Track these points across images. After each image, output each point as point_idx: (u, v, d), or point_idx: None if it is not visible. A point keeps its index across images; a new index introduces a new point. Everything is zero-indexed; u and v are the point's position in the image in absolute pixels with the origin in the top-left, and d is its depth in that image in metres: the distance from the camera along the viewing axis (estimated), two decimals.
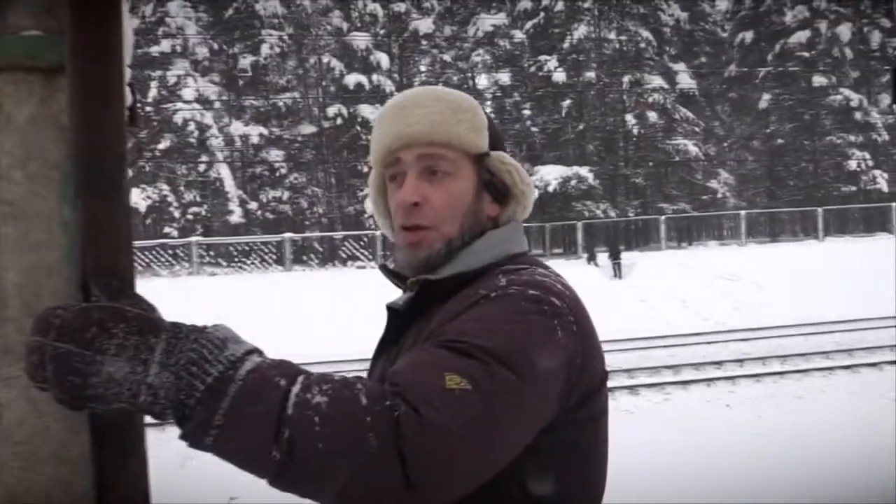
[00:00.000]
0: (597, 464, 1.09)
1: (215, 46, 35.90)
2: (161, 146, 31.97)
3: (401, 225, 1.15)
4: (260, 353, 0.84)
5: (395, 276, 1.22)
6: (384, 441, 0.80)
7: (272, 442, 0.77)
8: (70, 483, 0.79)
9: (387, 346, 1.16)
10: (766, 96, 38.35)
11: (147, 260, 25.40)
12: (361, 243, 26.78)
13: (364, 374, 1.13)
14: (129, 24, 0.88)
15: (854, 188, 36.81)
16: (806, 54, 37.15)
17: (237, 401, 0.77)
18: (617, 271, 21.34)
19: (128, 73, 0.91)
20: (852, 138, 36.95)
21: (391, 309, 1.17)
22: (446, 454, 0.83)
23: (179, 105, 31.89)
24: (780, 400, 8.99)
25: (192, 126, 31.87)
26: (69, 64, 0.77)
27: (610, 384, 11.31)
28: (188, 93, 32.42)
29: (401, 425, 0.81)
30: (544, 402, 0.95)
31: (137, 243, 26.97)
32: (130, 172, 0.95)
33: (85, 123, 0.76)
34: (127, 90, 0.91)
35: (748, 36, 40.19)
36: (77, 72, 0.76)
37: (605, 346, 1.11)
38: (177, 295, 18.51)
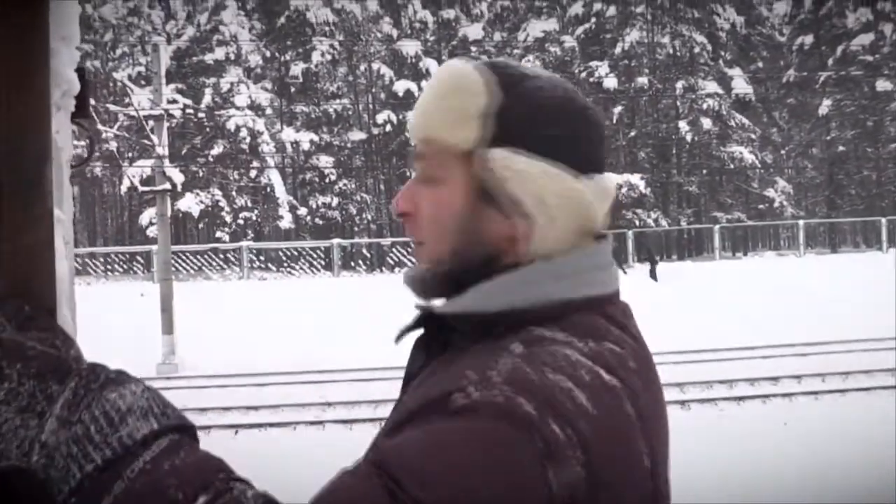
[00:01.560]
0: None
1: (268, 54, 36.48)
2: (214, 152, 32.58)
3: None
4: (178, 431, 0.65)
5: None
6: None
7: None
8: None
9: (411, 378, 0.90)
10: (827, 102, 37.16)
11: (199, 264, 25.86)
12: (409, 250, 26.75)
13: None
14: None
15: None
16: (869, 58, 35.88)
17: None
18: (653, 275, 21.05)
19: (75, 56, 0.78)
20: None
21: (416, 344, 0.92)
22: None
23: (232, 111, 32.45)
24: (841, 419, 8.56)
25: (244, 132, 32.39)
26: None
27: None
28: (241, 99, 32.99)
29: None
30: None
31: (190, 247, 27.50)
32: (70, 172, 0.81)
33: None
34: (74, 76, 0.78)
35: (807, 40, 39.04)
36: None
37: (654, 358, 0.82)
38: (227, 299, 18.75)
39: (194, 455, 0.64)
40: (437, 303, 0.85)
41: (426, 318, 0.86)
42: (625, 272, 22.15)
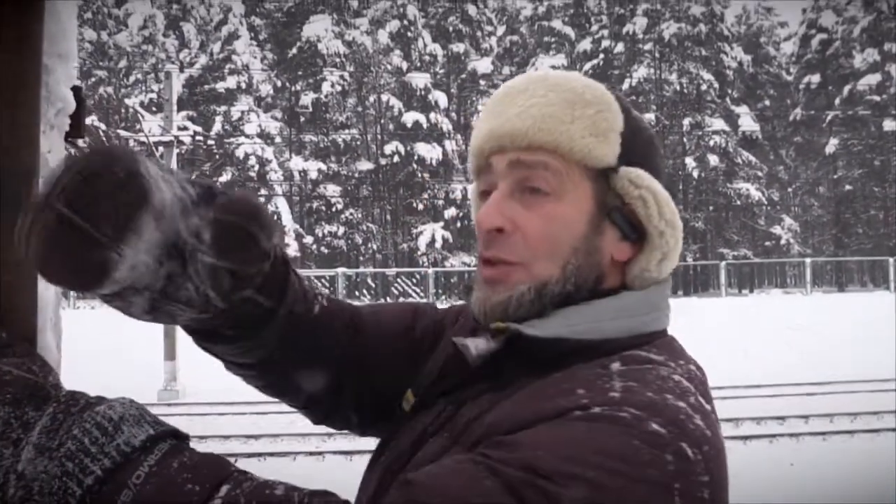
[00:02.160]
0: None
1: (279, 84, 36.87)
2: (222, 179, 32.78)
3: (480, 254, 0.82)
4: (175, 437, 0.62)
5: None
6: None
7: None
8: None
9: (438, 395, 0.83)
10: (834, 141, 37.29)
11: None
12: (414, 280, 26.76)
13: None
14: (70, 13, 0.73)
15: None
16: (876, 98, 36.07)
17: None
18: None
19: (72, 73, 0.76)
20: None
21: (458, 354, 0.80)
22: None
23: (242, 139, 32.74)
24: (849, 461, 8.42)
25: (252, 160, 32.62)
26: None
27: None
28: (251, 128, 33.30)
29: None
30: None
31: None
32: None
33: None
34: (69, 94, 0.76)
35: (815, 79, 39.31)
36: None
37: None
38: None
39: (201, 454, 0.60)
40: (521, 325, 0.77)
41: (509, 342, 0.77)
42: None
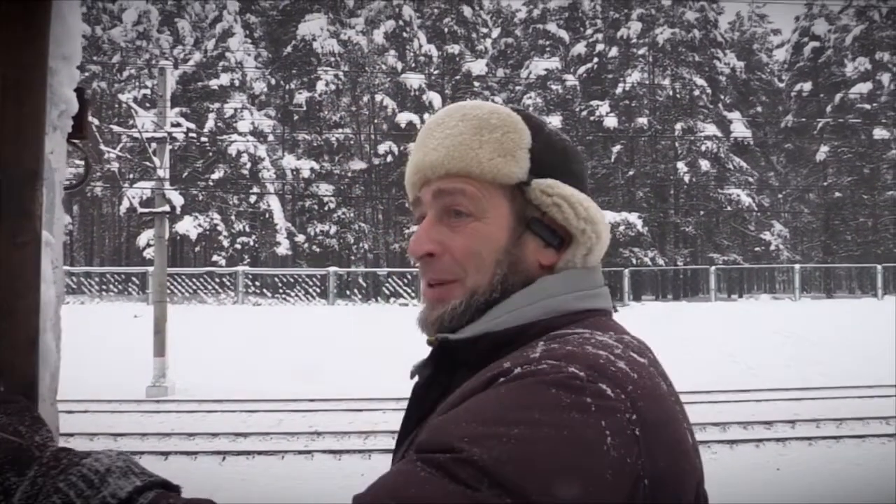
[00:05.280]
0: None
1: (272, 81, 36.76)
2: (214, 176, 32.67)
3: (423, 279, 0.89)
4: (163, 486, 0.62)
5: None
6: None
7: None
8: None
9: (413, 424, 0.88)
10: (824, 148, 37.49)
11: (194, 287, 25.78)
12: (405, 280, 26.73)
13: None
14: (75, 15, 0.74)
15: None
16: (867, 106, 36.29)
17: None
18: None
19: (75, 75, 0.77)
20: None
21: (415, 391, 0.89)
22: None
23: (234, 137, 32.60)
24: (835, 466, 8.47)
25: (245, 158, 32.49)
26: None
27: None
28: (244, 125, 33.16)
29: None
30: None
31: (186, 270, 27.40)
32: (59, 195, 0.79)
33: None
34: (72, 96, 0.77)
35: (806, 86, 39.52)
36: None
37: None
38: (221, 323, 18.64)
39: (186, 500, 0.61)
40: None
41: (441, 350, 0.84)
42: (616, 309, 24.39)
